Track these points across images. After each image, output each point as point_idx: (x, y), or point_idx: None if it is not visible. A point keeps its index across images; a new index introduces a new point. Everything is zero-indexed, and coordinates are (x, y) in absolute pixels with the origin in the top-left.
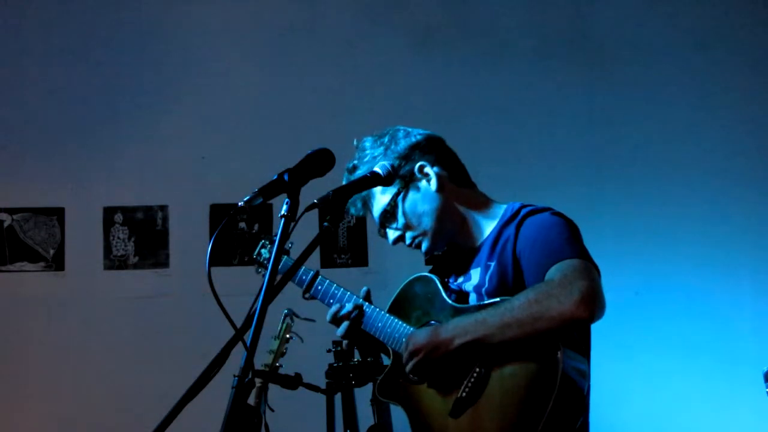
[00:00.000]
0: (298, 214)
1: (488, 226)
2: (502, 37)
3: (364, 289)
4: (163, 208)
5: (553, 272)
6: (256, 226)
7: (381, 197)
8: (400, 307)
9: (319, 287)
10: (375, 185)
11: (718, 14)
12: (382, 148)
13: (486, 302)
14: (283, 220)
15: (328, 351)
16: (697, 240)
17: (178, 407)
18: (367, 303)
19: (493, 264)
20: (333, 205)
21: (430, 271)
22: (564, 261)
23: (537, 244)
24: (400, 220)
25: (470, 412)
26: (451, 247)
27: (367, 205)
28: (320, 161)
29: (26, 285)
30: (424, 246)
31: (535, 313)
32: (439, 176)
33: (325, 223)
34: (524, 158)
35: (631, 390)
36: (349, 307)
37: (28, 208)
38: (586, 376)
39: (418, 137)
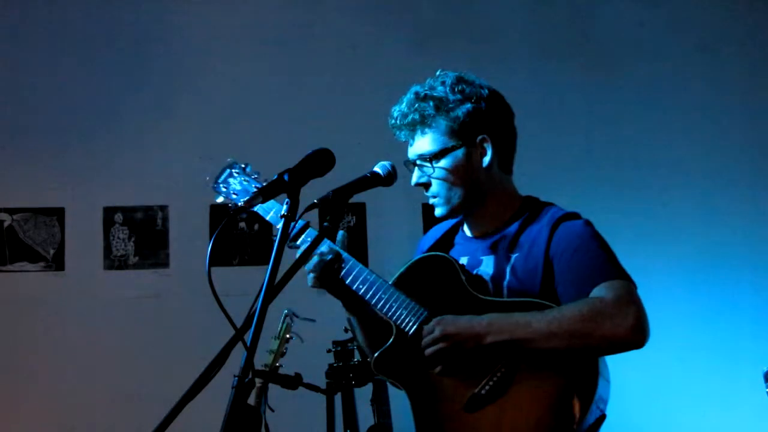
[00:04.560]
0: (298, 214)
1: (504, 216)
2: (502, 38)
3: (341, 233)
4: (163, 208)
5: (603, 290)
6: (256, 226)
7: (426, 140)
8: (408, 284)
9: (308, 238)
10: (374, 185)
11: (718, 15)
12: (459, 96)
13: (519, 300)
14: (283, 220)
15: (328, 351)
16: (696, 240)
17: (178, 407)
18: (347, 255)
19: (516, 257)
20: (333, 205)
21: (436, 249)
22: (614, 281)
23: (577, 254)
24: (433, 171)
25: (488, 410)
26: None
27: (413, 134)
28: (320, 161)
29: (26, 285)
30: (440, 210)
31: (586, 328)
32: (493, 155)
33: (325, 223)
34: (523, 158)
35: (630, 390)
36: (324, 248)
37: (28, 208)
38: (609, 381)
39: (497, 107)
